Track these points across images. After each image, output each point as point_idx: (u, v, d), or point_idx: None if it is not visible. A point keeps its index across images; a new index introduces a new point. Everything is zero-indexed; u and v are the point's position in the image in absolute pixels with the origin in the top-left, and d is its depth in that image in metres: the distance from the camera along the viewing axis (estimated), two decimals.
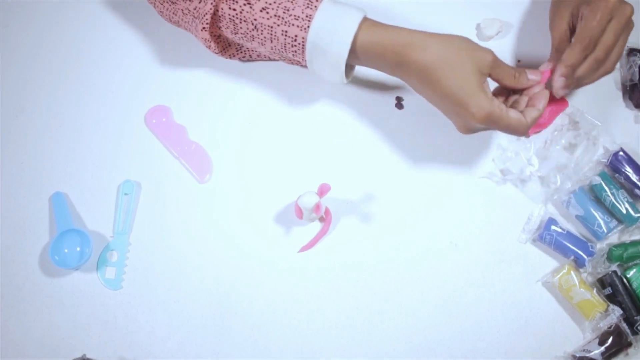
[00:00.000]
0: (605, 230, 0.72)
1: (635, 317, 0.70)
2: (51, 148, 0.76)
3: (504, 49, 0.80)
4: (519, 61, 0.79)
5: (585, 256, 0.71)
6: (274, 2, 0.65)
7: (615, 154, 0.74)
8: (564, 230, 0.72)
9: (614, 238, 0.74)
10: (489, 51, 0.64)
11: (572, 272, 0.71)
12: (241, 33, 0.68)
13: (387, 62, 0.66)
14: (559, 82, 0.67)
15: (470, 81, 0.62)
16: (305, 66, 0.70)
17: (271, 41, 0.67)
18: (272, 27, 0.65)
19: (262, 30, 0.66)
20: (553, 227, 0.72)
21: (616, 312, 0.70)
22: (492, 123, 0.63)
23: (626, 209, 0.72)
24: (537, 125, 0.75)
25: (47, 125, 0.76)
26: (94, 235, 0.73)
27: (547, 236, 0.72)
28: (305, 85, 0.77)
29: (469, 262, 0.73)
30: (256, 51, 0.74)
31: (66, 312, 0.71)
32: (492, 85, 0.67)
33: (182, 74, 0.78)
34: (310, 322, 0.71)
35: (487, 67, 0.64)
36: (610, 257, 0.72)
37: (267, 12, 0.65)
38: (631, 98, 0.78)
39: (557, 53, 0.69)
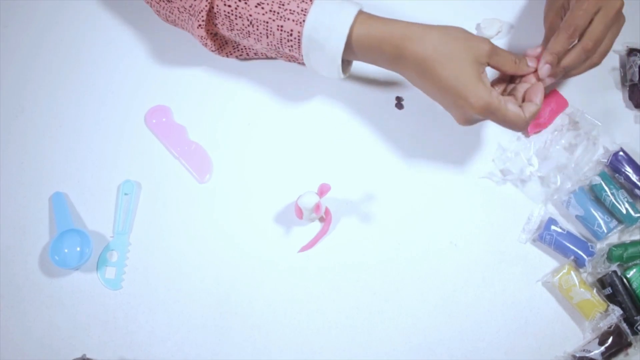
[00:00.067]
0: (605, 230, 0.72)
1: (635, 317, 0.70)
2: (51, 148, 0.76)
3: (504, 49, 0.79)
4: None
5: (585, 256, 0.71)
6: None
7: (615, 154, 0.74)
8: (564, 230, 0.72)
9: (614, 238, 0.74)
10: (485, 40, 0.64)
11: (572, 272, 0.71)
12: (237, 30, 0.68)
13: (384, 55, 0.66)
14: (544, 69, 0.67)
15: (468, 72, 0.62)
16: (303, 63, 0.70)
17: (267, 37, 0.67)
18: (267, 22, 0.65)
19: (257, 26, 0.66)
20: (553, 227, 0.72)
21: (616, 312, 0.70)
22: (491, 114, 0.63)
23: (626, 209, 0.72)
24: (537, 125, 0.75)
25: (47, 125, 0.76)
26: (94, 235, 0.73)
27: (547, 236, 0.72)
28: (305, 85, 0.77)
29: (469, 262, 0.73)
30: (253, 49, 0.74)
31: (66, 312, 0.71)
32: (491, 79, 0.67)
33: (182, 74, 0.78)
34: (310, 322, 0.71)
35: (484, 56, 0.64)
36: (610, 257, 0.72)
37: (262, 8, 0.65)
38: (631, 98, 0.78)
39: (545, 41, 0.70)
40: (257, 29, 0.66)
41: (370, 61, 0.68)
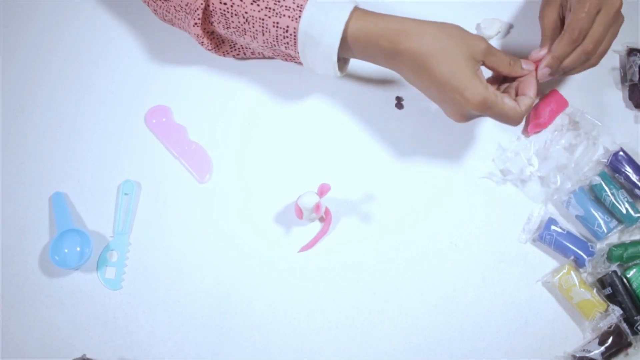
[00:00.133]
0: (605, 230, 0.72)
1: (635, 317, 0.70)
2: (51, 148, 0.76)
3: (504, 49, 0.80)
4: None
5: (585, 256, 0.71)
6: None
7: (615, 154, 0.74)
8: (564, 230, 0.72)
9: (614, 238, 0.74)
10: (482, 39, 0.64)
11: (572, 272, 0.71)
12: (233, 27, 0.68)
13: (380, 51, 0.66)
14: (543, 72, 0.68)
15: (464, 68, 0.62)
16: (300, 62, 0.69)
17: (263, 34, 0.67)
18: (263, 19, 0.65)
19: (253, 23, 0.66)
20: (553, 227, 0.72)
21: (616, 312, 0.70)
22: (487, 109, 0.63)
23: (626, 209, 0.72)
24: (537, 125, 0.75)
25: (47, 125, 0.76)
26: (94, 235, 0.73)
27: (547, 236, 0.72)
28: (305, 85, 0.77)
29: (469, 262, 0.73)
30: (250, 48, 0.74)
31: (66, 312, 0.71)
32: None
33: (182, 74, 0.78)
34: (310, 322, 0.71)
35: (480, 54, 0.64)
36: (610, 257, 0.72)
37: (258, 5, 0.65)
38: (631, 98, 0.78)
39: (548, 41, 0.69)
40: (253, 26, 0.66)
41: (366, 58, 0.68)
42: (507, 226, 0.74)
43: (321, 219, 0.74)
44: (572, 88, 0.78)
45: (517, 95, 0.67)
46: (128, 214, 0.73)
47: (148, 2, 0.73)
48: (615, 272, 0.71)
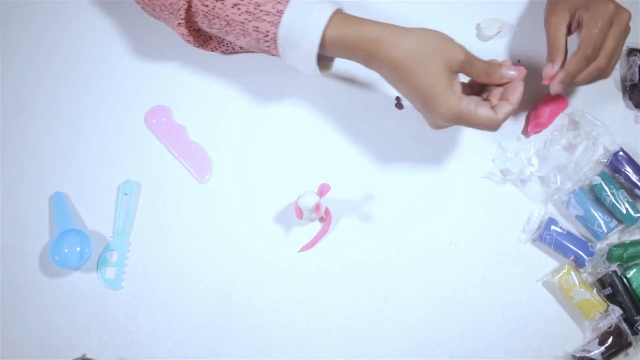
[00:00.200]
0: (605, 230, 0.72)
1: (635, 317, 0.70)
2: (51, 148, 0.76)
3: (504, 49, 0.80)
4: (518, 61, 0.79)
5: (585, 256, 0.71)
6: None
7: (615, 154, 0.74)
8: (564, 230, 0.72)
9: (614, 238, 0.74)
10: (461, 49, 0.63)
11: (572, 272, 0.71)
12: (216, 28, 0.68)
13: (358, 57, 0.65)
14: (556, 87, 0.68)
15: (439, 79, 0.62)
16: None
17: (244, 37, 0.67)
18: (243, 23, 0.65)
19: (234, 27, 0.66)
20: (553, 227, 0.72)
21: (616, 312, 0.70)
22: (461, 122, 0.63)
23: (626, 209, 0.72)
24: (537, 125, 0.75)
25: (47, 125, 0.76)
26: (94, 235, 0.73)
27: (547, 236, 0.72)
28: (304, 85, 0.77)
29: (469, 262, 0.73)
30: (237, 45, 0.74)
31: (66, 312, 0.71)
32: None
33: (182, 74, 0.78)
34: (310, 322, 0.71)
35: (457, 65, 0.62)
36: (610, 257, 0.72)
37: (239, 9, 0.65)
38: (631, 98, 0.78)
39: (555, 52, 0.69)
40: (234, 29, 0.67)
41: (347, 59, 0.68)
42: (507, 226, 0.74)
43: (321, 219, 0.74)
44: (572, 88, 0.78)
45: (501, 99, 0.65)
46: (128, 214, 0.73)
47: (137, 0, 0.73)
48: (615, 272, 0.71)
